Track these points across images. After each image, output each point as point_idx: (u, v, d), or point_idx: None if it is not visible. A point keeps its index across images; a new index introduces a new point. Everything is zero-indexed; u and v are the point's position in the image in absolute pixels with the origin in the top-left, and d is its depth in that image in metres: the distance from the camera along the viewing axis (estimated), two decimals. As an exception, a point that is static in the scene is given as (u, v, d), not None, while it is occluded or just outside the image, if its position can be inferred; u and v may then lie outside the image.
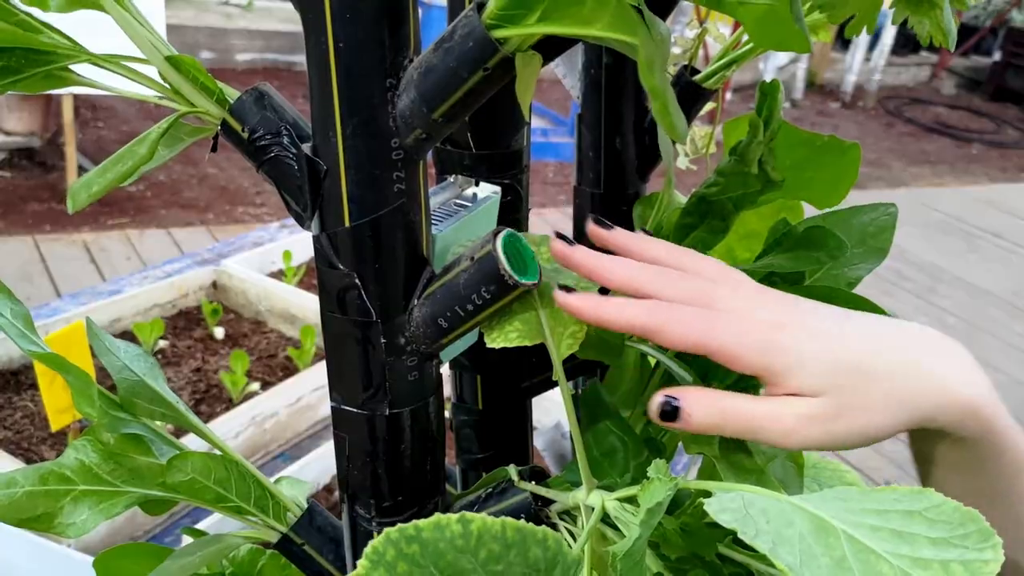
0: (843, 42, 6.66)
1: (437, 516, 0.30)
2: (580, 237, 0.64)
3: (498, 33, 0.34)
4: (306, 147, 0.39)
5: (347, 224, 0.39)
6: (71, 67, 0.40)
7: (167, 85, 0.41)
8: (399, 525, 0.30)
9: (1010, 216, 4.64)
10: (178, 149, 0.44)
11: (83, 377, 0.43)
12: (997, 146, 5.87)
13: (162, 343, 1.37)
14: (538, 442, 0.85)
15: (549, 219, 3.61)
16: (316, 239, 0.40)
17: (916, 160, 5.37)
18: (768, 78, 0.47)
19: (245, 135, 0.40)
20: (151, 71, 0.41)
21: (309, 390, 1.25)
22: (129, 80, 0.41)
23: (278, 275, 1.61)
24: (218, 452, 0.48)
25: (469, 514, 0.30)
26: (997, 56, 7.08)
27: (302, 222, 0.41)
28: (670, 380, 0.54)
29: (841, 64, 6.54)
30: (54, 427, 1.02)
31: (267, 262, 1.64)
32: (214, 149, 0.43)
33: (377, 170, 0.38)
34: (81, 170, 3.48)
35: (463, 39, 0.35)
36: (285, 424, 1.21)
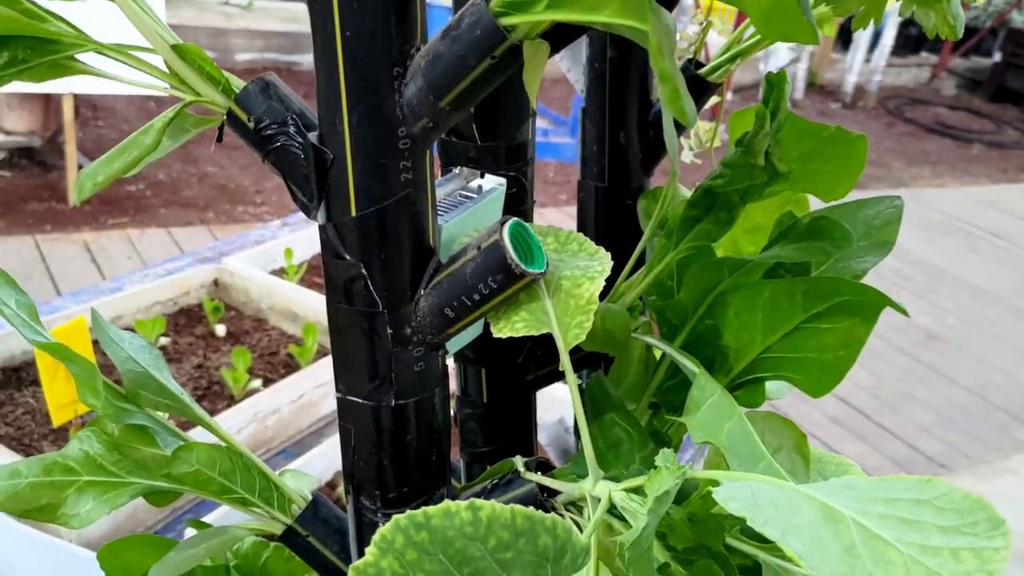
0: (844, 42, 6.67)
1: (446, 503, 0.30)
2: (582, 231, 0.64)
3: (506, 21, 0.34)
4: (312, 136, 0.39)
5: (353, 213, 0.39)
6: (76, 56, 0.40)
7: (173, 75, 0.41)
8: (408, 512, 0.30)
9: (1010, 216, 4.64)
10: (183, 140, 0.44)
11: (88, 367, 0.43)
12: (997, 146, 5.87)
13: (163, 340, 1.37)
14: (542, 437, 0.84)
15: (549, 218, 3.61)
16: (322, 229, 0.40)
17: (916, 160, 5.37)
18: (771, 74, 0.47)
19: (251, 125, 0.40)
20: (157, 61, 0.41)
21: (311, 387, 1.25)
22: (134, 69, 0.41)
23: (279, 273, 1.60)
24: (223, 444, 0.47)
25: (478, 501, 0.30)
26: (997, 57, 7.08)
27: (308, 212, 0.41)
28: (675, 372, 0.54)
29: (841, 64, 6.54)
30: (56, 423, 1.02)
31: (269, 260, 1.64)
32: (219, 139, 0.43)
33: (384, 159, 0.38)
34: (81, 169, 3.48)
35: (470, 27, 0.35)
36: (287, 421, 1.21)
